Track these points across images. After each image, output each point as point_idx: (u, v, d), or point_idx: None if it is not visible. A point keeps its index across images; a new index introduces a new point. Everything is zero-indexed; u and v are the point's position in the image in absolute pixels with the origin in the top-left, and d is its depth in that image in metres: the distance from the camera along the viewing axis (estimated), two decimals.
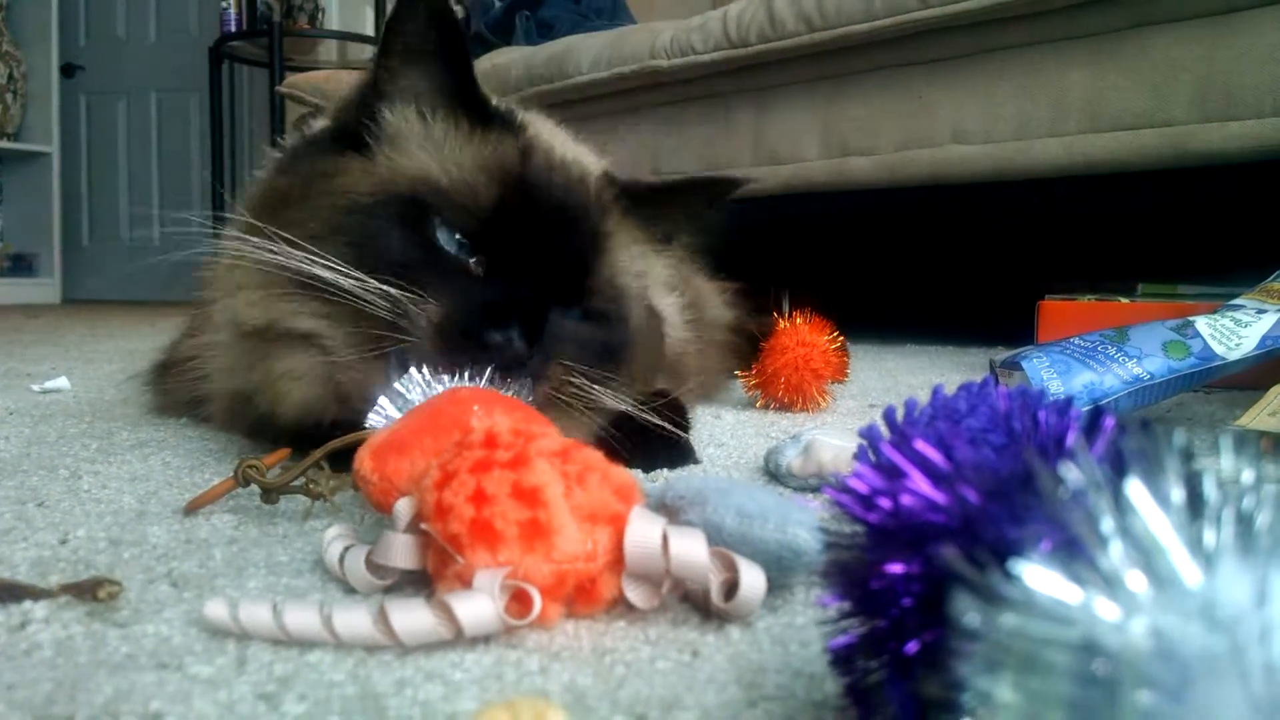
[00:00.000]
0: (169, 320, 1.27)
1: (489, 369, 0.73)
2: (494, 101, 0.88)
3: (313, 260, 0.75)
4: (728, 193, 0.96)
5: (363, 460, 0.58)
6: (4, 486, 0.78)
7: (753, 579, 0.47)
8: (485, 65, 2.67)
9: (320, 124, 0.92)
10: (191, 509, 0.69)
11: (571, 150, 0.92)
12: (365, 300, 0.74)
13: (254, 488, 0.68)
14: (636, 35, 2.48)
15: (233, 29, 4.55)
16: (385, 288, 0.74)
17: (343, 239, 0.77)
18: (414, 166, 0.81)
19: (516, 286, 0.77)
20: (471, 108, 0.84)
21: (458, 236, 0.79)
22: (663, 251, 0.98)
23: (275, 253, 0.76)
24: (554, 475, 0.49)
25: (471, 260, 0.79)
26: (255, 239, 0.78)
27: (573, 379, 0.82)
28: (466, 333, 0.74)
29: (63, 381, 1.41)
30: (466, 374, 0.72)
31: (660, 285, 1.02)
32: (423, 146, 0.82)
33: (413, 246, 0.77)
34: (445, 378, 0.71)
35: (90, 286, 5.47)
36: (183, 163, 5.58)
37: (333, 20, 4.84)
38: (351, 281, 0.74)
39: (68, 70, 5.48)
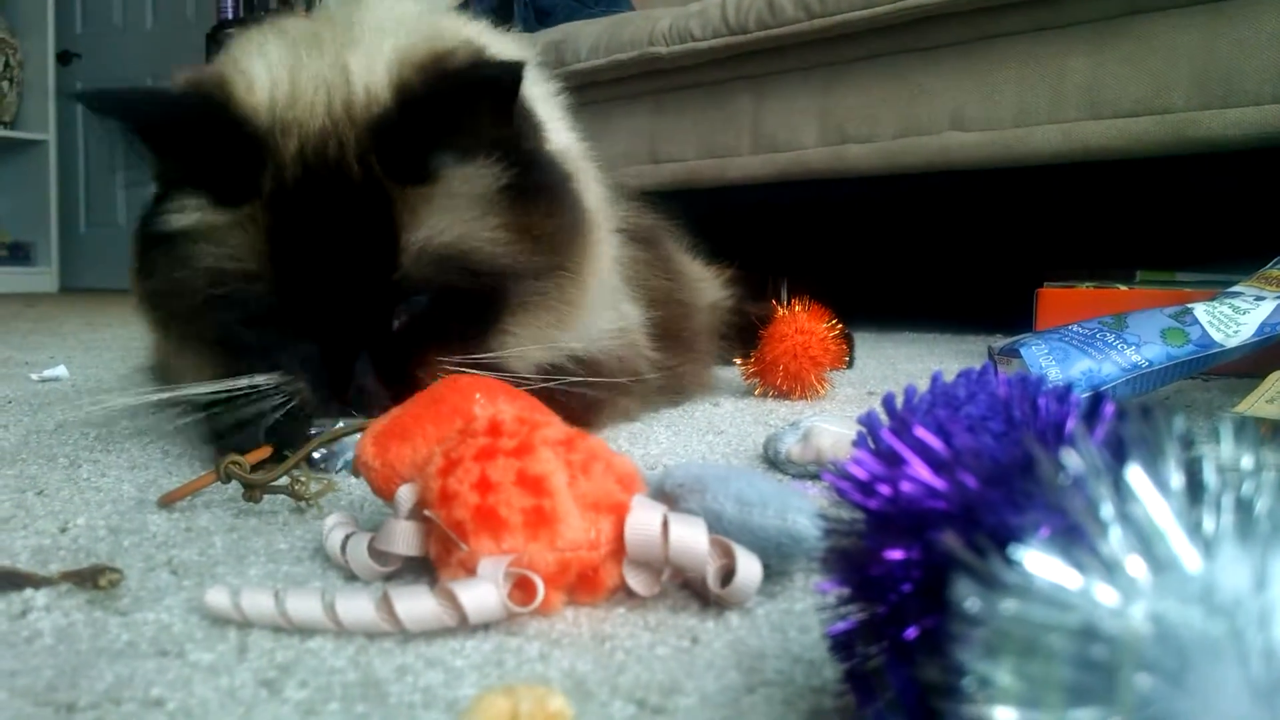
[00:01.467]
0: None
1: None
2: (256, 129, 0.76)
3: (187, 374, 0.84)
4: (509, 77, 0.74)
5: (365, 446, 0.58)
6: (3, 475, 0.78)
7: (749, 566, 0.48)
8: None
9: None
10: (166, 502, 0.68)
11: (336, 123, 0.75)
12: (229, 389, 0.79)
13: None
14: (635, 22, 2.48)
15: (229, 15, 4.55)
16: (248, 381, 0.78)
17: (201, 332, 0.82)
18: (206, 264, 0.77)
19: (331, 339, 0.76)
20: (223, 190, 0.76)
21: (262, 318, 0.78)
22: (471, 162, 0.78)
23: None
24: (558, 464, 0.49)
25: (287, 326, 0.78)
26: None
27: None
28: (330, 401, 0.77)
29: (61, 370, 1.41)
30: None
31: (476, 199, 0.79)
32: (208, 239, 0.77)
33: (245, 335, 0.79)
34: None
35: (88, 275, 5.46)
36: None
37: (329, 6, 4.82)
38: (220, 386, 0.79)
39: (64, 58, 5.44)
